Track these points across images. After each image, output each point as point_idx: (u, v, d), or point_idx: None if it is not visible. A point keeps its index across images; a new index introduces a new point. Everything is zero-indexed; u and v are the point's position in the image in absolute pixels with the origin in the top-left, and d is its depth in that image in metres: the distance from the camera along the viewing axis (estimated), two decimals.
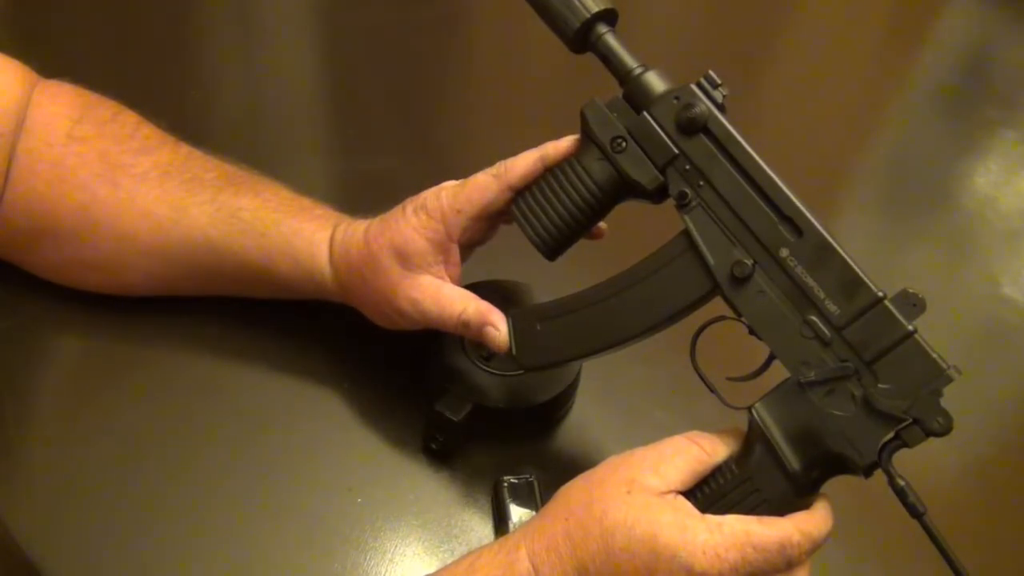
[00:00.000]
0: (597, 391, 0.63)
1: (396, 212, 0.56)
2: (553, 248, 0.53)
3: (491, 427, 0.58)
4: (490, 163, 0.54)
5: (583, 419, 0.63)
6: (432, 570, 0.47)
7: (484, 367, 0.59)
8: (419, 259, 0.54)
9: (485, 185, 0.54)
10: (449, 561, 0.49)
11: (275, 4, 1.13)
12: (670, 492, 0.44)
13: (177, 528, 0.53)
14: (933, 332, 0.44)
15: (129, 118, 0.61)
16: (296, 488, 0.56)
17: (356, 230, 0.57)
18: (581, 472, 0.47)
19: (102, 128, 0.59)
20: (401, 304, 0.55)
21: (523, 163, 0.53)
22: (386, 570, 0.53)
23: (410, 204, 0.55)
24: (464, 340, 0.60)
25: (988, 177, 1.01)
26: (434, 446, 0.58)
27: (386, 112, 0.92)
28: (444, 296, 0.54)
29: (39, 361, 0.61)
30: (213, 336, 0.63)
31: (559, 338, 0.53)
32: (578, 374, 0.62)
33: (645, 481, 0.44)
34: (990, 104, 1.15)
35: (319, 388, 0.61)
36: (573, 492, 0.46)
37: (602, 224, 0.55)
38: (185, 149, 0.62)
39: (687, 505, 0.44)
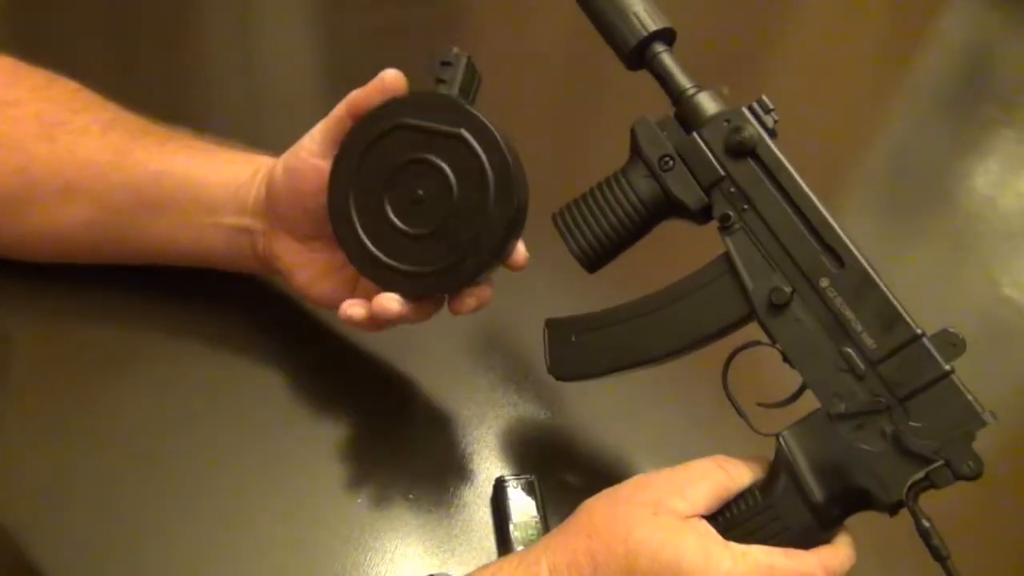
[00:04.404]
0: (599, 392, 0.63)
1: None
2: (593, 261, 0.53)
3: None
4: None
5: (584, 419, 0.63)
6: (431, 570, 0.47)
7: None
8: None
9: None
10: (449, 561, 0.49)
11: (275, 4, 1.13)
12: (695, 516, 0.44)
13: (176, 528, 0.53)
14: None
15: (67, 84, 0.60)
16: (296, 488, 0.56)
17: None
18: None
19: (36, 92, 0.58)
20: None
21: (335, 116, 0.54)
22: (386, 570, 0.52)
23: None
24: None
25: (988, 177, 1.01)
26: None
27: None
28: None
29: (37, 361, 0.61)
30: (213, 336, 0.63)
31: (593, 351, 0.53)
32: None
33: (671, 504, 0.44)
34: (990, 104, 1.16)
35: (318, 388, 0.61)
36: (597, 508, 0.46)
37: (521, 252, 0.53)
38: (129, 113, 0.61)
39: (711, 531, 0.44)
